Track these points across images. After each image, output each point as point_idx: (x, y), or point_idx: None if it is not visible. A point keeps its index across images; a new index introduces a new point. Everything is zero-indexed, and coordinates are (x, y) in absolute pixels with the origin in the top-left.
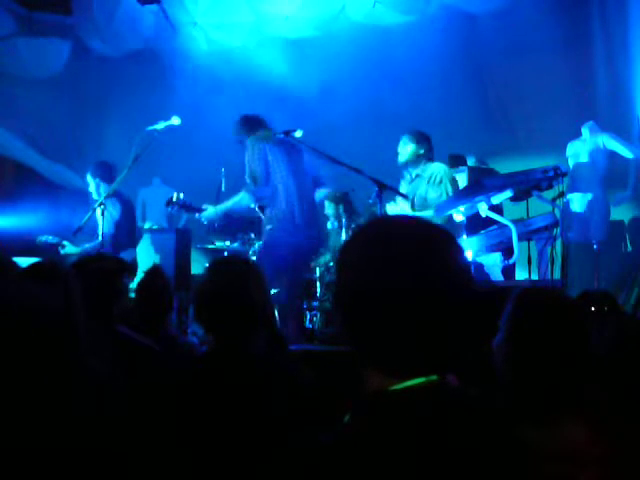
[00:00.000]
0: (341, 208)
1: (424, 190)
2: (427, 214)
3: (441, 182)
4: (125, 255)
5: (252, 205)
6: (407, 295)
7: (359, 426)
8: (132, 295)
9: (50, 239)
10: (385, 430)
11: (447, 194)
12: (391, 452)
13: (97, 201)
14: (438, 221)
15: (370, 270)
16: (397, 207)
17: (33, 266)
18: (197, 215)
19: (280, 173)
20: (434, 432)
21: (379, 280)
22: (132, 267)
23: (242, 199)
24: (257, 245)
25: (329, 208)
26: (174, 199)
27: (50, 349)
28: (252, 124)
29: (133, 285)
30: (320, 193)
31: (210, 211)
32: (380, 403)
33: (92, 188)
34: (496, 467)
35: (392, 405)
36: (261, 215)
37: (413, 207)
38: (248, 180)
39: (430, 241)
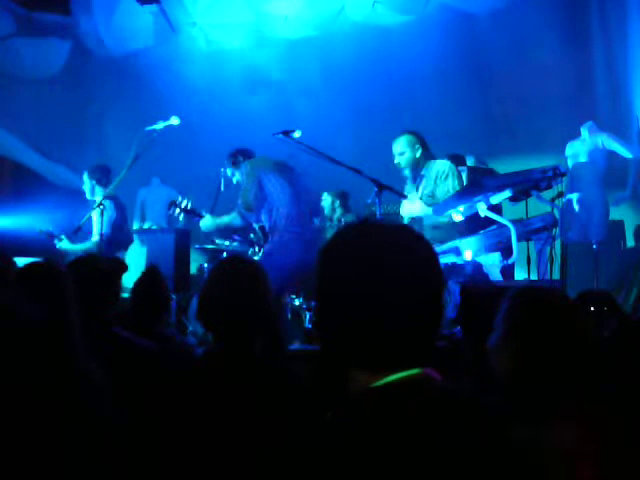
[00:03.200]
0: (337, 203)
1: (431, 189)
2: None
3: (447, 178)
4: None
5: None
6: (380, 295)
7: (339, 424)
8: (128, 295)
9: (50, 230)
10: (364, 427)
11: (453, 189)
12: (369, 448)
13: (95, 202)
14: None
15: (344, 272)
16: (413, 205)
17: (29, 266)
18: (195, 219)
19: (281, 197)
20: (414, 426)
21: (351, 281)
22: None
23: (234, 219)
24: (258, 249)
25: (326, 201)
26: (177, 202)
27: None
28: (245, 153)
29: (130, 285)
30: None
31: (208, 222)
32: (360, 400)
33: (87, 188)
34: (484, 462)
35: (372, 401)
36: (259, 234)
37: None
38: (239, 201)
39: (399, 242)
